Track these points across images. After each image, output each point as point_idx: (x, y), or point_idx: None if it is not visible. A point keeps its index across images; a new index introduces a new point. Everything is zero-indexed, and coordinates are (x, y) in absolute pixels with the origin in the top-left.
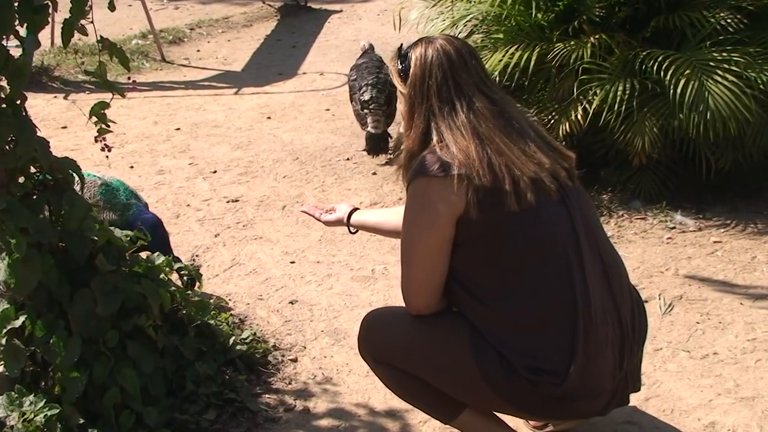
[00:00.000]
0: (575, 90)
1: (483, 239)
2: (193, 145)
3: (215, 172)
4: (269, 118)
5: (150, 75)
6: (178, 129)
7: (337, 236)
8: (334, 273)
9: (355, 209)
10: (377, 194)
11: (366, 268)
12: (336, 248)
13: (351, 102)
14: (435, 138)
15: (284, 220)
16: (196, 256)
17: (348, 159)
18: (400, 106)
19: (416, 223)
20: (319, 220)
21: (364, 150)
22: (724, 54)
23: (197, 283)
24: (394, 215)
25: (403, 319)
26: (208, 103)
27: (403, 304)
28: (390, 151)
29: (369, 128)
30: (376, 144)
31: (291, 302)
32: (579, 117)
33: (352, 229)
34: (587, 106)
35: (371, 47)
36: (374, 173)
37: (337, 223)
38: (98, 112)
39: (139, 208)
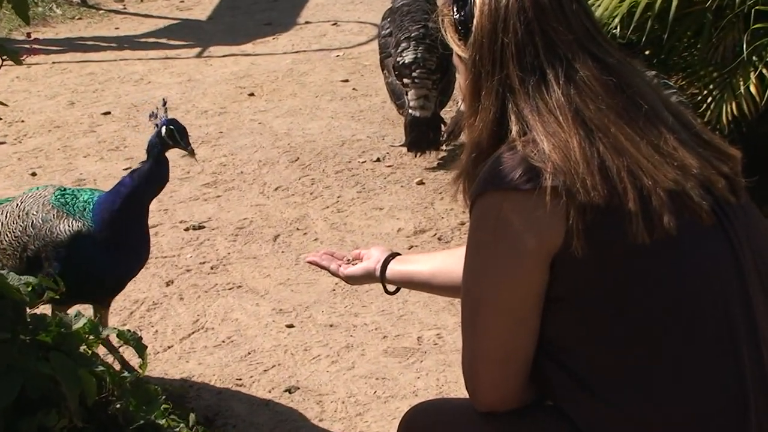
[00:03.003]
0: (745, 47)
1: (593, 291)
2: (132, 139)
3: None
4: (252, 95)
5: (63, 28)
6: (107, 113)
7: (360, 285)
8: (356, 343)
9: (394, 255)
10: (425, 216)
11: (407, 334)
12: (359, 303)
13: (382, 69)
14: (514, 128)
15: (276, 258)
16: (139, 317)
17: (378, 160)
18: (460, 78)
19: (486, 265)
20: (337, 276)
21: (402, 145)
22: None
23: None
24: (452, 260)
25: (466, 419)
26: (154, 71)
27: (466, 395)
28: (444, 146)
29: (411, 110)
30: (422, 135)
31: (288, 390)
32: (752, 91)
33: (389, 287)
34: (765, 72)
35: None
36: (420, 182)
37: (366, 278)
38: None
39: (93, 195)
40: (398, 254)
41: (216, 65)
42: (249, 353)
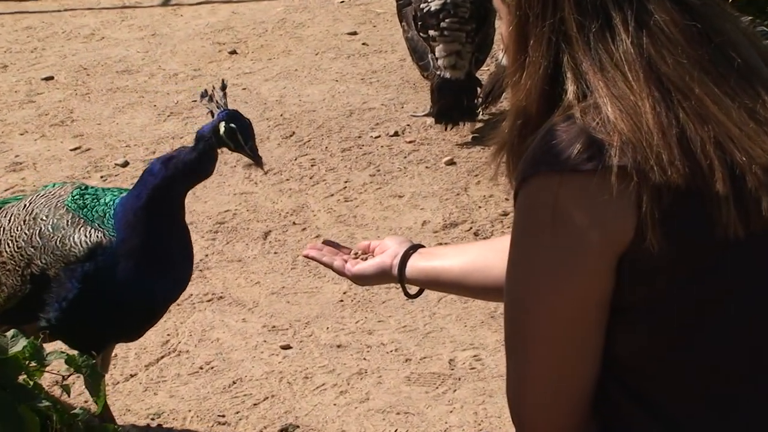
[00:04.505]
0: None
1: (673, 298)
2: (81, 112)
3: (126, 164)
4: (233, 53)
5: None
6: (50, 78)
7: (375, 293)
8: (371, 368)
9: (416, 248)
10: (457, 206)
11: (436, 357)
12: (375, 317)
13: (400, 21)
14: (571, 88)
15: (267, 261)
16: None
17: (396, 134)
18: (502, 25)
19: (536, 267)
20: (343, 274)
21: (428, 115)
22: None
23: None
24: (492, 254)
25: None
26: (109, 25)
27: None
28: (481, 115)
29: (439, 70)
30: (453, 102)
31: (284, 429)
32: None
33: (410, 289)
34: None
35: None
36: (450, 161)
37: (381, 277)
38: None
39: (117, 196)
40: (421, 246)
41: (187, 15)
42: (234, 382)
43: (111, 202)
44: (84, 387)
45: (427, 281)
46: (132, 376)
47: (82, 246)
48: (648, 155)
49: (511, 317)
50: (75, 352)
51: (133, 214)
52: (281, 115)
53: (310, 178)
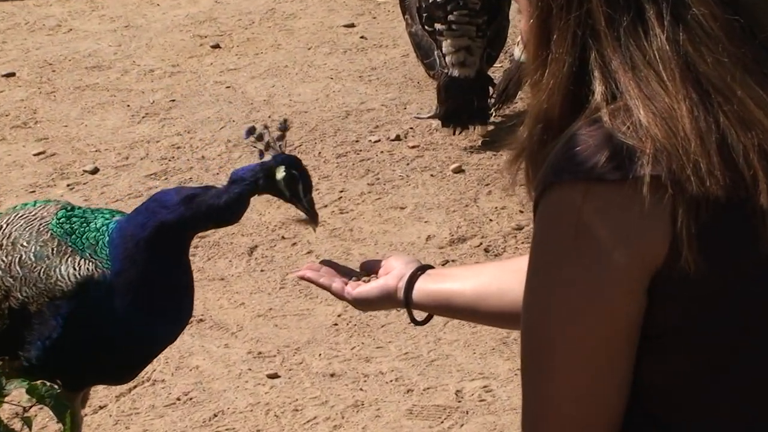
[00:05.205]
0: None
1: (711, 323)
2: (45, 112)
3: (95, 171)
4: (216, 47)
5: None
6: (11, 75)
7: (374, 316)
8: (368, 400)
9: (424, 269)
10: (465, 219)
11: (441, 387)
12: (372, 342)
13: (403, 14)
14: (599, 89)
15: (253, 279)
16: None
17: (397, 138)
18: (522, 19)
19: (557, 288)
20: (342, 298)
21: (433, 117)
22: None
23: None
24: (509, 275)
25: None
26: (77, 15)
27: None
28: (493, 117)
29: (446, 68)
30: (462, 103)
31: None
32: None
33: (417, 314)
34: None
35: None
36: (458, 169)
37: (384, 301)
38: None
39: (113, 221)
40: (430, 267)
41: (165, 5)
42: (215, 415)
43: (104, 228)
44: (47, 420)
45: (437, 306)
46: (101, 407)
47: (70, 279)
48: (684, 164)
49: (529, 344)
50: (38, 382)
51: (134, 245)
52: (269, 116)
53: None
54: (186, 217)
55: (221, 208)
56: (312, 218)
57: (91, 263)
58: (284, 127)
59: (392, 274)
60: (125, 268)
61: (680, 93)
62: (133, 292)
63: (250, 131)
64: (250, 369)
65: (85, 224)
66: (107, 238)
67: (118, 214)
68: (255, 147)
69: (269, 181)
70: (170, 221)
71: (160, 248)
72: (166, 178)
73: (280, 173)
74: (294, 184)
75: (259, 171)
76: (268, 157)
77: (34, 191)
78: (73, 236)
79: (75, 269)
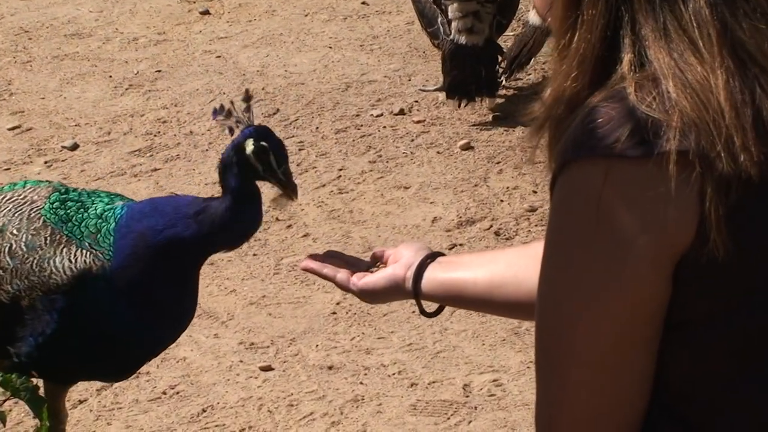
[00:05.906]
0: None
1: (742, 313)
2: (21, 83)
3: (75, 147)
4: (206, 13)
5: None
6: None
7: (376, 307)
8: (369, 394)
9: (434, 257)
10: (475, 199)
11: (448, 381)
12: (374, 332)
13: None
14: (626, 57)
15: (245, 264)
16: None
17: (401, 112)
18: None
19: (574, 273)
20: (347, 289)
21: (439, 89)
22: None
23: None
24: (525, 261)
25: None
26: None
27: None
28: (503, 87)
29: (452, 36)
30: (470, 73)
31: None
32: None
33: (427, 305)
34: None
35: None
36: (466, 146)
37: (392, 292)
38: None
39: (117, 206)
40: (441, 254)
41: None
42: (204, 410)
43: (109, 214)
44: (23, 415)
45: (448, 296)
46: (81, 402)
47: (65, 273)
48: (715, 139)
49: (544, 334)
50: (13, 375)
51: (144, 245)
52: (263, 88)
53: (298, 165)
54: (197, 236)
55: (227, 214)
56: (290, 191)
57: (89, 254)
58: (247, 97)
59: (401, 262)
60: (129, 264)
61: (716, 61)
62: (135, 290)
63: (218, 111)
64: (241, 361)
65: (82, 210)
66: (113, 225)
67: (117, 197)
68: (225, 125)
69: (242, 157)
70: (188, 239)
71: (172, 257)
72: (151, 155)
73: (249, 147)
74: (265, 156)
75: (231, 151)
76: (238, 134)
77: (8, 168)
78: (70, 224)
79: (71, 261)
